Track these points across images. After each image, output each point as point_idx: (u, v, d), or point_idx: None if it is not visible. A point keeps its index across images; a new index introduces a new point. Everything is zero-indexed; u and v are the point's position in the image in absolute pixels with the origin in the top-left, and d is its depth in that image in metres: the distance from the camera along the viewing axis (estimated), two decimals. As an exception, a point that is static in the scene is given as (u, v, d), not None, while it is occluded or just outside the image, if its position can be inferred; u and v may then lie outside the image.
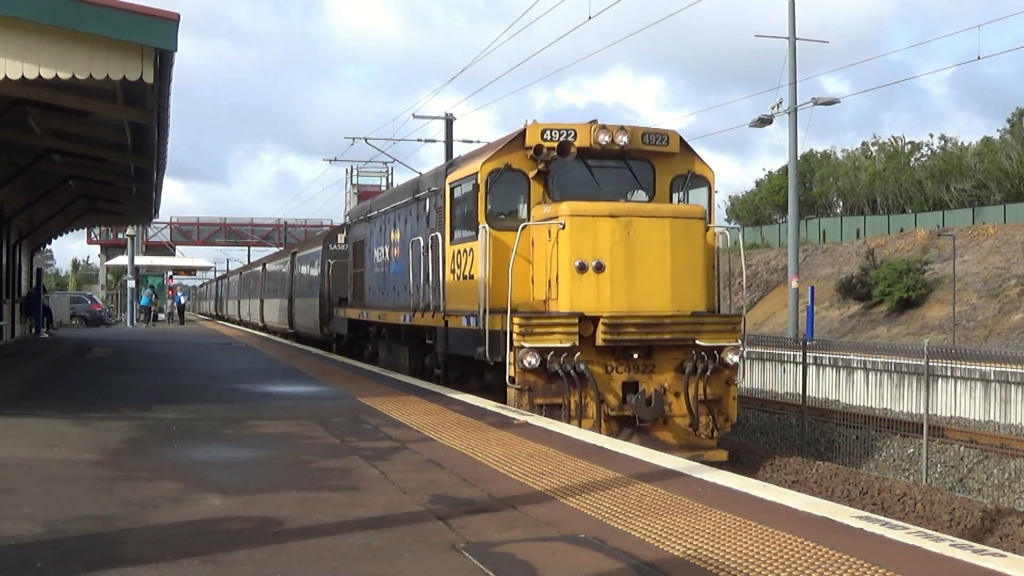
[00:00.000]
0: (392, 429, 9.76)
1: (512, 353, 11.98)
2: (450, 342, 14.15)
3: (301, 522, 5.78)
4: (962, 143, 68.17)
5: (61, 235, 37.55)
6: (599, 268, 12.24)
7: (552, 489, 6.75)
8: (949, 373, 21.37)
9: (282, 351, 24.22)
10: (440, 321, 14.46)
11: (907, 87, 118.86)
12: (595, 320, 12.13)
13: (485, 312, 12.55)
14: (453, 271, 14.20)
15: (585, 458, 8.00)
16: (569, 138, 13.00)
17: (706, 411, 12.52)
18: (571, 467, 7.61)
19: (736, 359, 12.66)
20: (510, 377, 12.04)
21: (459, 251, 13.98)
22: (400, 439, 9.08)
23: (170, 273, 60.01)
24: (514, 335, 11.92)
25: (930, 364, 18.58)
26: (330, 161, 46.44)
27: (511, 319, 12.01)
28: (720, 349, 12.47)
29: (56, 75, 9.81)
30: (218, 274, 77.68)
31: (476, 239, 13.12)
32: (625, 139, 13.21)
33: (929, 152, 69.99)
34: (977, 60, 49.60)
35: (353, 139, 38.13)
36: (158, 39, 9.83)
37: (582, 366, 11.95)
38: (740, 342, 12.86)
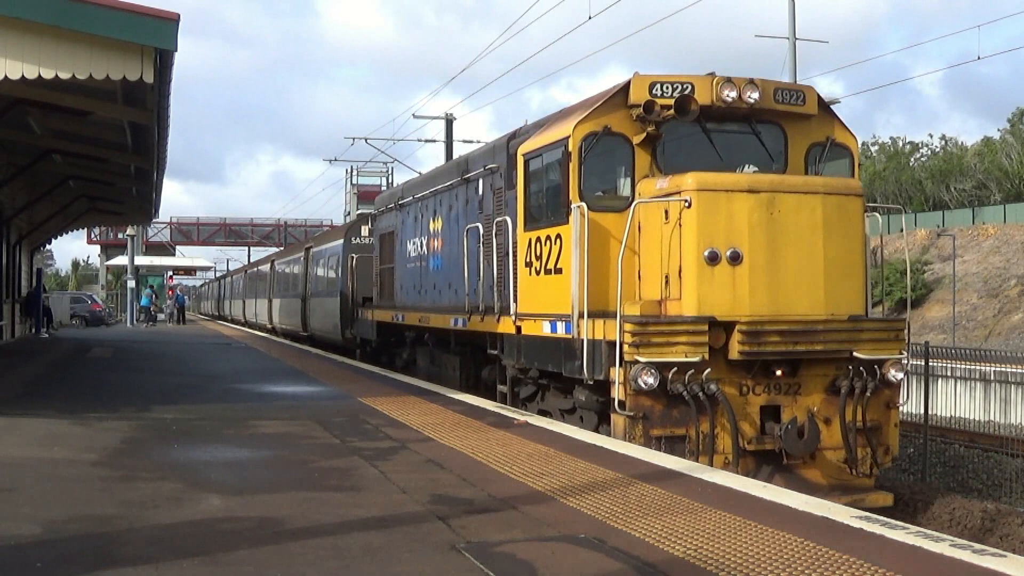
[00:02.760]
0: (392, 429, 9.76)
1: (622, 370, 9.37)
2: (524, 353, 11.62)
3: (301, 522, 5.78)
4: (962, 143, 68.30)
5: (61, 235, 37.58)
6: (735, 258, 9.62)
7: (552, 489, 6.75)
8: (949, 373, 21.38)
9: (282, 351, 24.21)
10: (510, 327, 11.90)
11: (901, 87, 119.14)
12: (727, 327, 9.56)
13: (582, 316, 9.95)
14: (529, 264, 11.49)
15: (585, 458, 8.00)
16: (688, 92, 10.41)
17: (862, 442, 9.94)
18: (571, 467, 7.61)
19: (900, 376, 10.14)
20: (619, 402, 9.44)
21: (537, 239, 11.27)
22: (400, 439, 9.08)
23: (170, 273, 60.05)
24: (625, 346, 9.33)
25: (930, 364, 18.58)
26: (330, 161, 46.49)
27: (621, 326, 9.37)
28: (881, 363, 9.91)
29: (56, 75, 9.83)
30: (218, 274, 77.70)
31: (563, 223, 10.57)
32: (755, 96, 10.56)
33: (929, 152, 70.05)
34: (977, 60, 49.61)
35: (353, 139, 38.28)
36: (158, 39, 9.85)
37: (713, 387, 9.36)
38: (905, 354, 10.32)
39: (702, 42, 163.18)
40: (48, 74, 9.80)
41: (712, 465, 8.83)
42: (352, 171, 56.69)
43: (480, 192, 13.50)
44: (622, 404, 9.44)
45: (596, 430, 9.97)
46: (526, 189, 11.62)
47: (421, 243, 16.71)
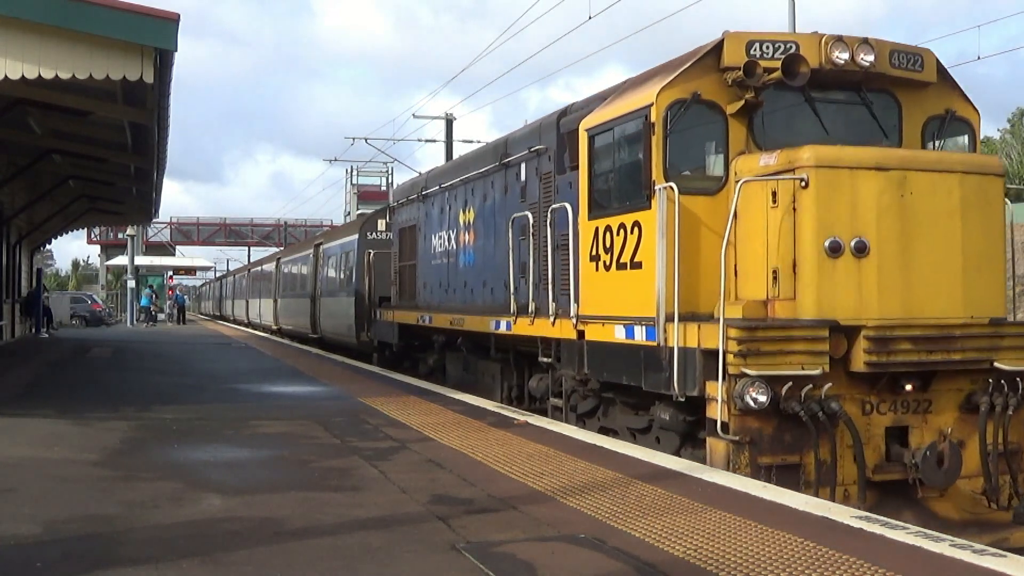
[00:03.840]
0: (392, 429, 9.76)
1: (725, 385, 7.82)
2: (589, 362, 9.99)
3: (301, 522, 5.78)
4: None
5: (61, 235, 37.59)
6: (860, 250, 8.13)
7: (552, 489, 6.75)
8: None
9: (282, 351, 24.22)
10: (569, 331, 10.36)
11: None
12: (849, 332, 8.04)
13: (672, 319, 8.35)
14: (594, 258, 9.87)
15: (585, 458, 8.00)
16: (795, 52, 8.79)
17: (1001, 468, 8.38)
18: (571, 467, 7.61)
19: None
20: (721, 424, 7.85)
21: (606, 228, 9.64)
22: (400, 439, 9.08)
23: (170, 273, 60.08)
24: (730, 356, 7.78)
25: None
26: (330, 161, 46.47)
27: (725, 331, 7.81)
28: (1023, 375, 8.39)
29: (56, 75, 9.84)
30: (218, 274, 77.65)
31: (642, 208, 8.96)
32: (871, 58, 8.94)
33: (929, 152, 70.01)
34: (976, 60, 49.65)
35: (353, 139, 38.27)
36: (158, 39, 9.86)
37: (835, 405, 7.82)
38: None
39: (701, 42, 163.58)
40: (48, 74, 9.80)
41: (833, 500, 7.45)
42: (352, 171, 56.69)
43: (523, 178, 12.20)
44: (724, 426, 7.84)
45: (677, 454, 8.65)
46: (591, 170, 9.99)
47: (449, 237, 15.29)
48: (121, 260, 53.97)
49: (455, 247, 15.00)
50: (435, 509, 6.15)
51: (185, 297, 63.89)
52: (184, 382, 15.18)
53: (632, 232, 9.23)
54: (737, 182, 8.52)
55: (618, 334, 9.36)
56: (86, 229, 53.46)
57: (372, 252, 21.03)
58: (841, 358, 8.05)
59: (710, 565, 4.89)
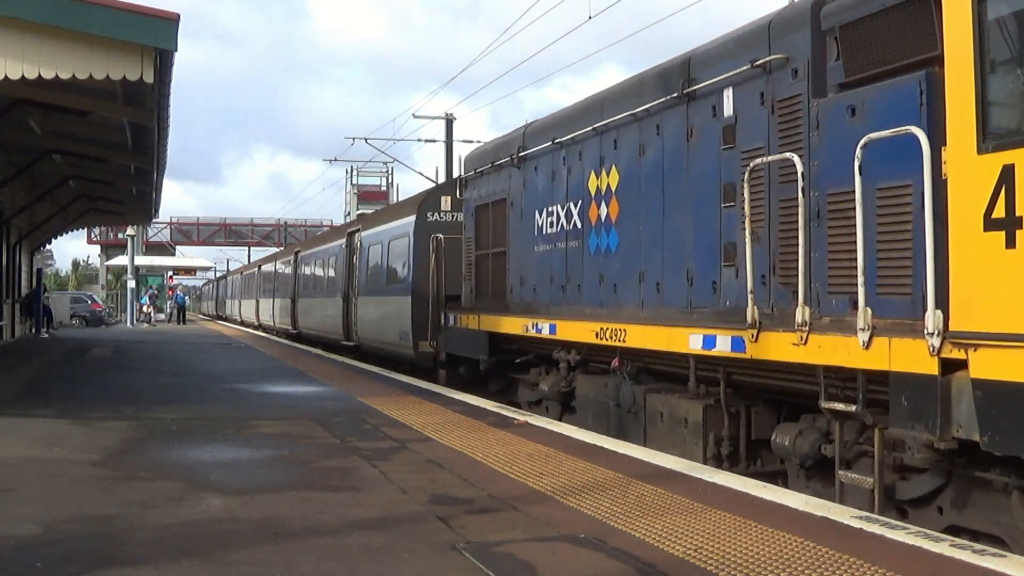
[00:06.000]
0: (392, 429, 9.76)
1: None
2: (987, 422, 5.53)
3: (301, 522, 5.78)
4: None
5: (61, 235, 37.62)
6: None
7: (552, 489, 6.75)
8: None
9: (282, 351, 24.21)
10: (918, 360, 5.98)
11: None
12: None
13: None
14: (999, 224, 5.49)
15: (585, 458, 8.00)
16: None
17: None
18: (571, 467, 7.61)
19: None
20: None
21: None
22: (400, 439, 9.08)
23: (170, 273, 60.11)
24: None
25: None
26: (330, 162, 46.55)
27: None
28: None
29: (56, 75, 9.85)
30: (218, 274, 77.61)
31: None
32: None
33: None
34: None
35: (353, 139, 38.43)
36: (158, 39, 9.87)
37: None
38: None
39: (698, 39, 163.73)
40: (48, 74, 9.82)
41: None
42: (352, 171, 56.76)
43: (727, 111, 8.54)
44: None
45: None
46: (982, 65, 5.75)
47: (568, 212, 11.54)
48: (121, 260, 53.94)
49: (580, 225, 11.24)
50: (435, 509, 6.15)
51: (185, 297, 63.88)
52: (184, 382, 15.18)
53: None
54: None
55: None
56: (86, 229, 53.50)
57: (441, 238, 16.17)
58: None
59: (710, 565, 4.89)
